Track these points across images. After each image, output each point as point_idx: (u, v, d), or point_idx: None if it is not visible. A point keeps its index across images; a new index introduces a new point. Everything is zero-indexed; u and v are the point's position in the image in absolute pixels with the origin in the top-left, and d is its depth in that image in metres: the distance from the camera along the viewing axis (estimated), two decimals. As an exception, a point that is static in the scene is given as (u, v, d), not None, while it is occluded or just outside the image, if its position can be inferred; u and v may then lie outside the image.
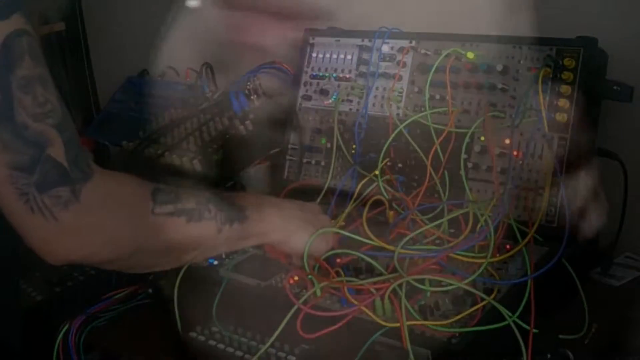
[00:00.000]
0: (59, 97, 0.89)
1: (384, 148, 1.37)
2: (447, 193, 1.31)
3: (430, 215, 1.28)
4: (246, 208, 1.10)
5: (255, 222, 1.11)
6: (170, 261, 1.06)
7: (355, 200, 1.35)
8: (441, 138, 1.33)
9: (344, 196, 1.37)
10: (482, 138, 1.31)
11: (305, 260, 1.14)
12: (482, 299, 1.04)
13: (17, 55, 0.85)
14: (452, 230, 1.25)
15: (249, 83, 1.65)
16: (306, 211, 1.22)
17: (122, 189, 0.97)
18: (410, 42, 1.43)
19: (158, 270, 1.07)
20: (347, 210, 1.32)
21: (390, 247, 1.17)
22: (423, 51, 1.41)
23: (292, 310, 1.08)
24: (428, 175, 1.33)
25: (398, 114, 1.41)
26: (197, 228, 1.03)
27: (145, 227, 0.97)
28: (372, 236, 1.20)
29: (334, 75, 1.51)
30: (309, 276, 1.14)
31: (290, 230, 1.15)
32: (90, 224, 0.90)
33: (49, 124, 0.87)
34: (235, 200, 1.11)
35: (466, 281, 1.08)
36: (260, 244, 1.17)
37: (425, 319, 1.03)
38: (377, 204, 1.33)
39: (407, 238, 1.19)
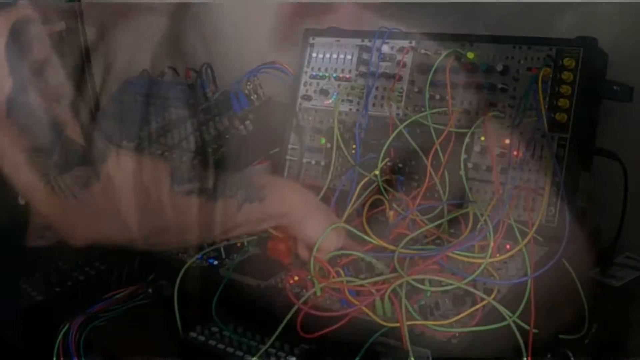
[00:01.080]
0: (70, 80, 0.90)
1: (384, 148, 1.37)
2: (447, 193, 1.31)
3: (430, 215, 1.28)
4: (264, 187, 1.11)
5: (273, 202, 1.12)
6: (190, 240, 1.08)
7: (354, 201, 1.35)
8: (441, 138, 1.33)
9: (344, 196, 1.37)
10: (482, 138, 1.31)
11: (314, 251, 1.14)
12: (482, 299, 1.04)
13: (27, 41, 0.86)
14: (452, 231, 1.25)
15: (249, 83, 1.65)
16: (320, 203, 1.23)
17: (140, 168, 0.97)
18: (410, 42, 1.43)
19: (180, 247, 1.07)
20: (348, 211, 1.32)
21: (391, 247, 1.17)
22: (423, 51, 1.41)
23: (292, 310, 1.08)
24: (428, 175, 1.32)
25: (398, 114, 1.41)
26: (216, 207, 1.04)
27: (165, 206, 0.98)
28: (372, 236, 1.20)
29: (334, 75, 1.51)
30: (309, 276, 1.14)
31: (307, 214, 1.16)
32: (111, 202, 0.91)
33: (64, 106, 0.88)
34: (253, 180, 1.11)
35: (466, 281, 1.08)
36: (277, 224, 1.17)
37: (425, 319, 1.03)
38: (377, 204, 1.33)
39: (407, 238, 1.19)
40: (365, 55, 1.47)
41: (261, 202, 1.09)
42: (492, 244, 1.13)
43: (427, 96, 1.37)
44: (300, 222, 1.16)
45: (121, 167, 0.93)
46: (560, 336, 1.12)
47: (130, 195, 0.93)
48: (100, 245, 0.95)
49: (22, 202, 1.06)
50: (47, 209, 0.90)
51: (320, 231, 1.16)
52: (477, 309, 1.03)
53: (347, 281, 1.12)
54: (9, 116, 0.85)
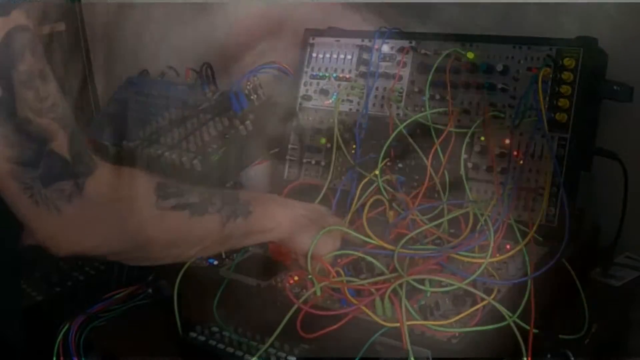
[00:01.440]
0: (60, 92, 0.90)
1: (384, 148, 1.37)
2: (447, 193, 1.31)
3: (430, 215, 1.28)
4: (250, 203, 1.10)
5: (259, 218, 1.11)
6: (174, 255, 1.06)
7: (356, 202, 1.35)
8: (441, 138, 1.33)
9: (344, 196, 1.37)
10: (482, 138, 1.31)
11: (308, 260, 1.14)
12: (482, 299, 1.04)
13: (18, 51, 0.85)
14: (452, 231, 1.25)
15: (249, 83, 1.65)
16: (311, 211, 1.21)
17: (125, 183, 0.97)
18: (410, 42, 1.43)
19: (164, 263, 1.07)
20: (351, 212, 1.32)
21: (391, 247, 1.17)
22: (423, 51, 1.41)
23: (292, 310, 1.08)
24: (428, 175, 1.32)
25: (398, 114, 1.41)
26: (201, 222, 1.03)
27: (149, 221, 0.98)
28: (372, 236, 1.20)
29: (334, 75, 1.51)
30: (309, 276, 1.14)
31: (295, 229, 1.15)
32: (94, 216, 0.91)
33: (51, 118, 0.88)
34: (238, 196, 1.11)
35: (467, 281, 1.08)
36: (264, 241, 1.16)
37: (425, 319, 1.03)
38: (377, 204, 1.33)
39: (406, 237, 1.19)
40: (365, 55, 1.48)
41: (246, 217, 1.08)
42: (492, 244, 1.13)
43: (427, 96, 1.37)
44: (289, 236, 1.15)
45: (105, 181, 0.93)
46: (560, 336, 1.12)
47: (114, 209, 0.93)
48: (82, 256, 0.95)
49: None
50: (30, 220, 0.90)
51: (310, 239, 1.15)
52: (477, 309, 1.03)
53: (347, 281, 1.12)
54: None
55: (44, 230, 0.90)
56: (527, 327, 1.01)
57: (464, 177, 1.30)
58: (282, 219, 1.14)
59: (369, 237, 1.20)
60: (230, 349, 1.12)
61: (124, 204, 0.94)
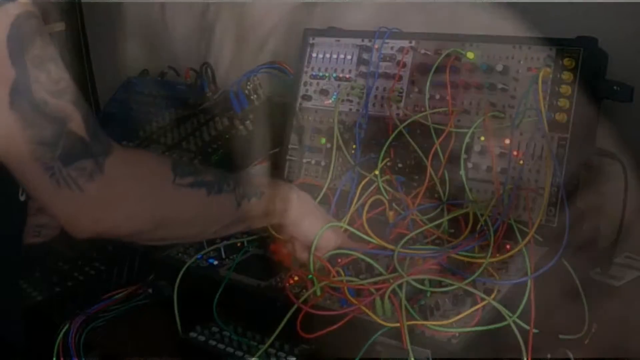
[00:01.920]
0: (70, 76, 0.91)
1: (384, 148, 1.37)
2: (447, 193, 1.31)
3: (430, 215, 1.28)
4: (262, 185, 1.13)
5: (272, 200, 1.13)
6: (192, 234, 1.09)
7: (356, 202, 1.35)
8: (441, 138, 1.33)
9: (344, 196, 1.37)
10: (482, 138, 1.31)
11: (312, 251, 1.14)
12: (482, 299, 1.04)
13: (29, 35, 0.87)
14: (452, 231, 1.25)
15: (249, 83, 1.65)
16: (317, 204, 1.24)
17: (143, 162, 1.00)
18: (410, 42, 1.43)
19: (184, 242, 1.11)
20: (350, 212, 1.32)
21: (392, 247, 1.17)
22: (423, 51, 1.41)
23: (292, 310, 1.08)
24: (428, 175, 1.32)
25: (398, 114, 1.41)
26: (217, 200, 1.05)
27: (167, 198, 1.00)
28: (373, 236, 1.20)
29: (334, 75, 1.51)
30: (309, 276, 1.14)
31: (305, 214, 1.18)
32: (115, 194, 0.93)
33: (66, 99, 0.89)
34: (251, 178, 1.13)
35: (467, 282, 1.08)
36: (276, 222, 1.18)
37: (425, 319, 1.03)
38: (377, 204, 1.33)
39: (406, 237, 1.19)
40: (365, 55, 1.48)
41: (259, 199, 1.11)
42: (492, 244, 1.13)
43: (427, 96, 1.37)
44: (298, 219, 1.17)
45: (124, 160, 0.95)
46: (560, 336, 1.12)
47: (133, 187, 0.94)
48: (103, 237, 0.96)
49: (22, 198, 1.07)
50: (52, 201, 0.91)
51: (317, 229, 1.17)
52: (477, 309, 1.03)
53: (347, 281, 1.12)
54: (12, 108, 0.86)
55: (66, 210, 0.92)
56: (527, 327, 1.01)
57: (464, 177, 1.30)
58: (293, 202, 1.17)
59: (369, 237, 1.20)
60: (230, 349, 1.12)
61: (143, 182, 0.96)
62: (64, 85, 0.89)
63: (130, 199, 0.94)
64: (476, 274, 1.09)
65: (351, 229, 1.23)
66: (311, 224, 1.18)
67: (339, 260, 1.18)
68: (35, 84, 0.87)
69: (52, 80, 0.88)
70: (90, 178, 0.90)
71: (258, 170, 1.56)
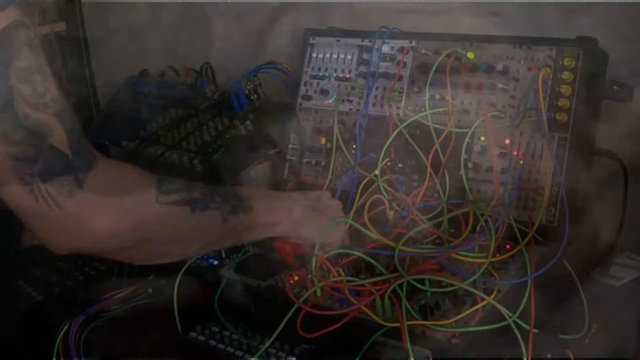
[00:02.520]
0: (59, 87, 0.90)
1: (384, 148, 1.37)
2: (447, 193, 1.31)
3: (430, 215, 1.28)
4: (251, 199, 1.10)
5: (260, 213, 1.11)
6: (176, 252, 1.06)
7: (356, 202, 1.35)
8: (441, 138, 1.33)
9: (344, 196, 1.37)
10: (482, 138, 1.31)
11: (314, 252, 1.14)
12: (482, 299, 1.04)
13: (15, 47, 0.85)
14: (452, 230, 1.25)
15: (249, 83, 1.65)
16: (312, 199, 1.21)
17: (125, 178, 0.97)
18: (410, 42, 1.43)
19: (165, 261, 1.06)
20: (351, 212, 1.32)
21: (392, 244, 1.17)
22: (423, 51, 1.41)
23: (292, 310, 1.08)
24: (428, 175, 1.33)
25: (398, 114, 1.41)
26: (202, 218, 1.03)
27: (149, 216, 0.97)
28: (374, 236, 1.20)
29: (334, 75, 1.51)
30: (309, 276, 1.14)
31: (299, 222, 1.15)
32: (95, 212, 0.91)
33: (49, 113, 0.87)
34: (239, 192, 1.11)
35: (467, 282, 1.08)
36: (267, 236, 1.16)
37: (425, 319, 1.03)
38: (377, 204, 1.33)
39: (406, 237, 1.19)
40: (365, 55, 1.48)
41: (247, 213, 1.08)
42: (492, 244, 1.13)
43: (427, 96, 1.37)
44: (293, 230, 1.15)
45: (106, 176, 0.92)
46: (560, 336, 1.12)
47: (113, 204, 0.92)
48: (82, 253, 0.94)
49: None
50: (30, 217, 0.89)
51: (317, 234, 1.16)
52: (477, 309, 1.03)
53: (347, 281, 1.12)
54: None
55: (44, 227, 0.90)
56: (527, 327, 1.01)
57: (464, 177, 1.30)
58: (283, 213, 1.15)
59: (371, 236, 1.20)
60: (230, 349, 1.12)
61: (125, 199, 0.94)
62: (48, 98, 0.87)
63: (109, 216, 0.92)
64: (477, 274, 1.09)
65: (357, 226, 1.22)
66: (308, 228, 1.16)
67: (340, 259, 1.18)
68: (18, 98, 0.85)
69: (36, 93, 0.86)
70: (69, 195, 0.88)
71: (258, 170, 1.56)
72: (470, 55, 1.35)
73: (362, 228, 1.22)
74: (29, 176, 0.86)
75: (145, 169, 1.03)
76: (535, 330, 1.01)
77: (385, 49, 1.46)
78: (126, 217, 0.94)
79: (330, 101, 1.50)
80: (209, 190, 1.05)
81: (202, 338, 1.16)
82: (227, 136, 1.60)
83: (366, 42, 1.48)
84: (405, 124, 1.37)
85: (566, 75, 1.26)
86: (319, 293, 1.12)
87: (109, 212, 0.92)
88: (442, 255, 1.14)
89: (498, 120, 1.30)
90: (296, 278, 1.17)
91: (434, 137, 1.33)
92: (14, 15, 0.86)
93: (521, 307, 1.03)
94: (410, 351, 0.98)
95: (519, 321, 1.02)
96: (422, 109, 1.37)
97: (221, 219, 1.05)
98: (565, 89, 1.25)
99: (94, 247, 0.94)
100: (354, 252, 1.18)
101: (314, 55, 1.54)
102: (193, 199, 1.01)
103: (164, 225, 0.99)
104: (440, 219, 1.26)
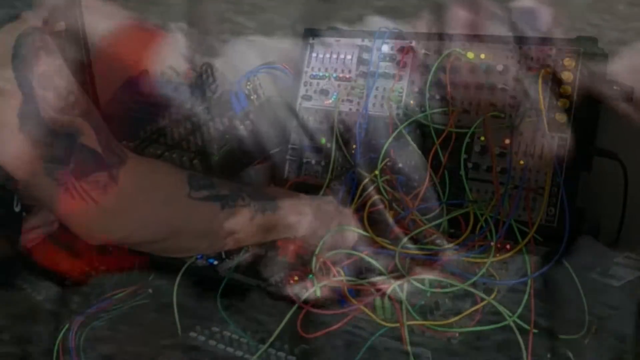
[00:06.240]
0: (79, 86, 0.91)
1: (384, 148, 1.37)
2: (447, 193, 1.31)
3: (430, 215, 1.28)
4: (277, 198, 1.12)
5: (286, 213, 1.13)
6: (205, 247, 1.10)
7: (356, 202, 1.35)
8: (441, 138, 1.33)
9: (344, 196, 1.37)
10: (482, 138, 1.31)
11: (316, 252, 1.15)
12: (482, 299, 1.04)
13: (32, 53, 0.86)
14: (452, 230, 1.25)
15: (249, 83, 1.65)
16: (328, 203, 1.25)
17: (158, 173, 1.00)
18: (410, 42, 1.43)
19: (193, 254, 1.11)
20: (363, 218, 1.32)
21: (393, 247, 1.17)
22: (423, 51, 1.41)
23: (292, 310, 1.08)
24: (428, 175, 1.33)
25: (398, 114, 1.41)
26: (232, 215, 1.05)
27: (181, 210, 1.00)
28: (375, 237, 1.20)
29: (334, 75, 1.51)
30: (309, 276, 1.14)
31: (320, 225, 1.18)
32: (130, 205, 0.93)
33: (76, 114, 0.89)
34: (267, 191, 1.12)
35: (468, 282, 1.08)
36: (288, 235, 1.18)
37: (425, 319, 1.03)
38: (377, 204, 1.33)
39: (407, 237, 1.19)
40: (365, 55, 1.47)
41: (274, 212, 1.11)
42: (493, 244, 1.13)
43: (427, 96, 1.37)
44: (316, 230, 1.17)
45: (139, 171, 0.95)
46: (560, 336, 1.12)
47: (146, 197, 0.95)
48: (115, 244, 0.96)
49: (16, 209, 1.06)
50: (66, 214, 0.91)
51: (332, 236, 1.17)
52: (477, 309, 1.03)
53: (347, 281, 1.12)
54: (21, 130, 0.85)
55: (81, 222, 0.93)
56: (527, 327, 1.01)
57: (464, 177, 1.30)
58: (306, 215, 1.17)
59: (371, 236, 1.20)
60: (230, 349, 1.12)
61: (157, 194, 0.97)
62: (72, 99, 0.89)
63: (142, 209, 0.94)
64: (478, 275, 1.09)
65: (362, 232, 1.23)
66: (322, 236, 1.18)
67: (343, 260, 1.18)
68: (42, 103, 0.86)
69: (60, 96, 0.88)
70: (104, 190, 0.90)
71: (258, 170, 1.56)
72: (470, 55, 1.35)
73: (366, 233, 1.22)
74: (62, 176, 0.88)
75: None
76: (535, 331, 1.01)
77: (385, 49, 1.46)
78: (159, 211, 0.96)
79: (330, 101, 1.50)
80: (238, 187, 1.07)
81: (202, 338, 1.16)
82: (227, 136, 1.59)
83: (366, 42, 1.48)
84: (405, 124, 1.37)
85: (566, 75, 1.26)
86: (318, 293, 1.12)
87: (141, 205, 0.94)
88: (445, 259, 1.14)
89: (498, 120, 1.30)
90: (296, 278, 1.17)
91: (434, 137, 1.33)
92: (27, 21, 0.86)
93: (521, 307, 1.03)
94: (410, 351, 0.98)
95: (519, 321, 1.02)
96: (422, 109, 1.37)
97: (249, 216, 1.07)
98: (565, 89, 1.25)
99: (126, 239, 0.97)
100: (354, 253, 1.18)
101: (314, 55, 1.54)
102: (223, 196, 1.03)
103: (195, 220, 1.02)
104: (440, 220, 1.26)
